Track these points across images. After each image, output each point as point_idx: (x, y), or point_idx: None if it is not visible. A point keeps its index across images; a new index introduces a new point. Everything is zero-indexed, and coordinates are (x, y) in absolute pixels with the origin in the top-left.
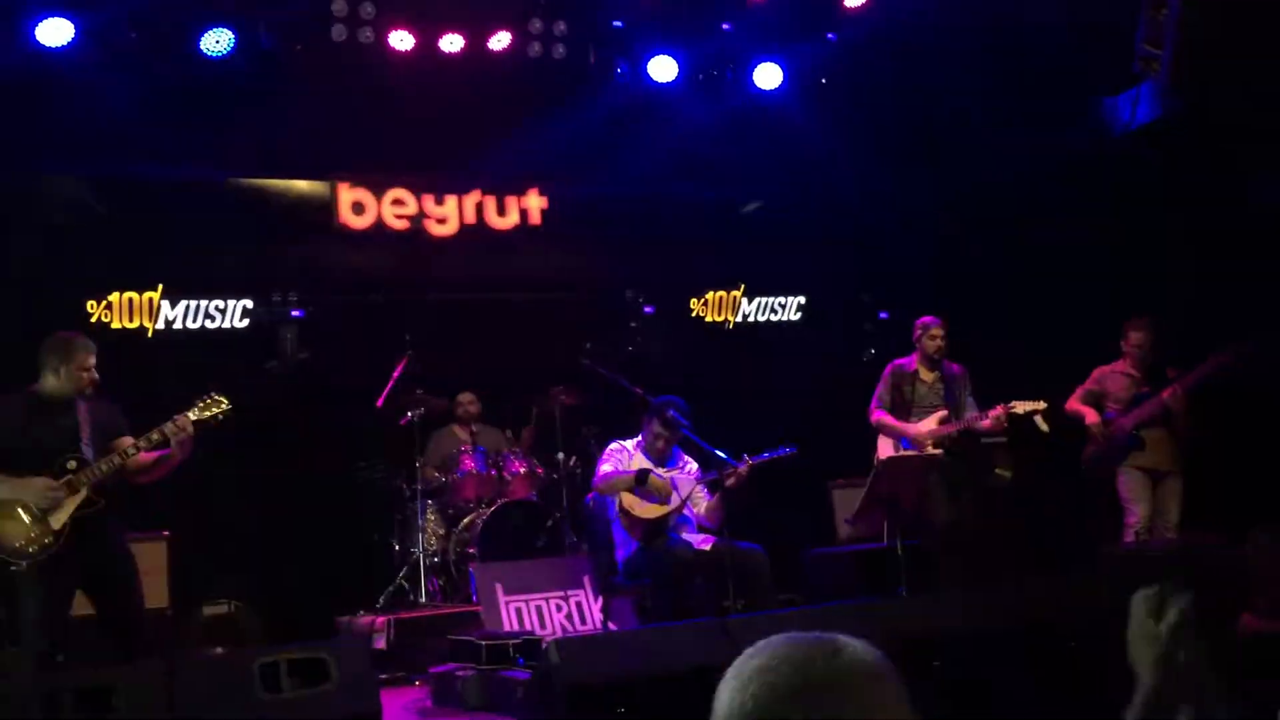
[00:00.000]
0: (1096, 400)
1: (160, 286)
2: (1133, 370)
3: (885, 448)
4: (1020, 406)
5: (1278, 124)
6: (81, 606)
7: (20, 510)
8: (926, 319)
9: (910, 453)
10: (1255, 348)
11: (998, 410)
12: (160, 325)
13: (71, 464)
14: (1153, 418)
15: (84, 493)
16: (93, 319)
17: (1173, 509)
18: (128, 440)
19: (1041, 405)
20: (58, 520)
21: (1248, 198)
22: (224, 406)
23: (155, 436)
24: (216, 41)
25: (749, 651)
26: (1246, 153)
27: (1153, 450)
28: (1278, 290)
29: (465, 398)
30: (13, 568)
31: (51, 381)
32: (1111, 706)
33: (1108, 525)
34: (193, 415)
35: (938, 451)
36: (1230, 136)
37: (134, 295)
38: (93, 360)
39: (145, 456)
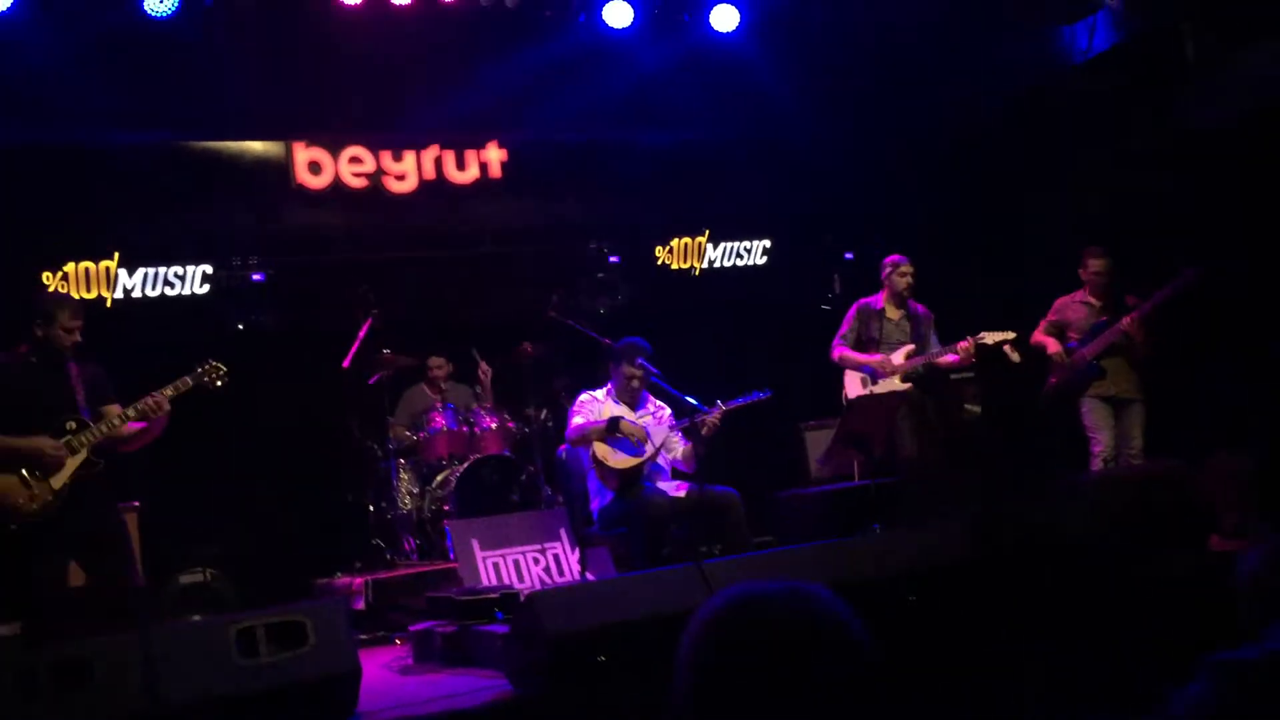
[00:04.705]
0: (1059, 331)
1: (116, 255)
2: (1092, 299)
3: (853, 386)
4: (989, 337)
5: (1228, 47)
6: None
7: (22, 470)
8: (895, 257)
9: (879, 390)
10: (1203, 272)
11: (966, 342)
12: (119, 294)
13: (71, 424)
14: (1112, 346)
15: (84, 454)
16: (49, 290)
17: (1137, 436)
18: (116, 408)
19: (1010, 335)
20: (58, 480)
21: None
22: (221, 371)
23: (140, 407)
24: (160, 1)
25: (713, 599)
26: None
27: (1114, 378)
28: (1230, 214)
29: (435, 361)
30: (13, 527)
31: (39, 339)
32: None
33: (1075, 455)
34: (171, 391)
35: (906, 386)
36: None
37: (90, 265)
38: (78, 322)
39: (130, 426)
